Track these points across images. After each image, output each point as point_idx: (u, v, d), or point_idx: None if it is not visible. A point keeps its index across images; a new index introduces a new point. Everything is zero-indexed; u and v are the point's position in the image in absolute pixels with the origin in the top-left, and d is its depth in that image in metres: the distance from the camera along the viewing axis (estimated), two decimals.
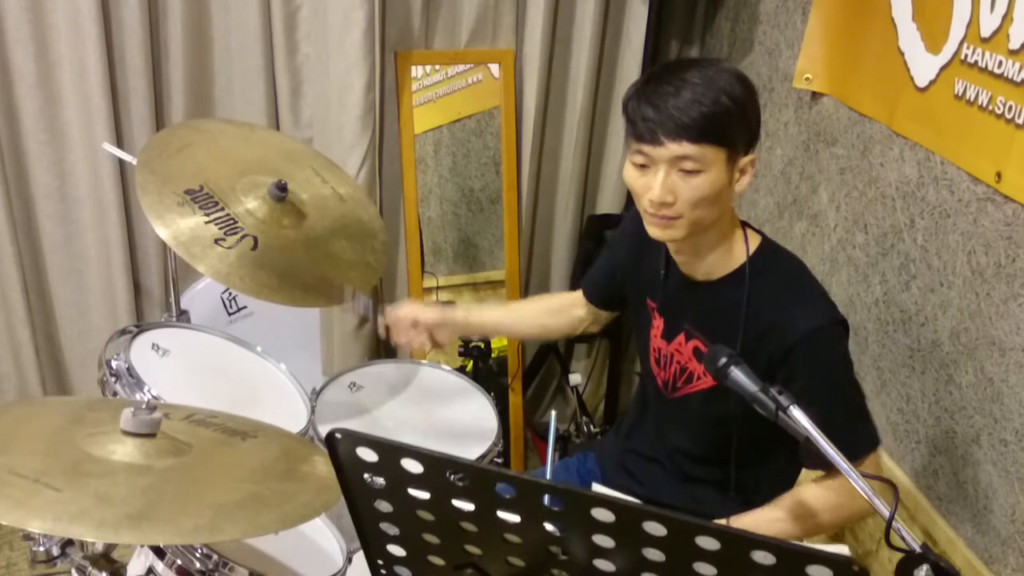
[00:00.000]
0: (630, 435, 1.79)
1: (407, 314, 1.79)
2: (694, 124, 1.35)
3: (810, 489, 1.52)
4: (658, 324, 1.64)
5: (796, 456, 1.32)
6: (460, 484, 0.98)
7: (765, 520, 1.51)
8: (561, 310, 1.92)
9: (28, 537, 1.40)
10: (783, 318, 1.46)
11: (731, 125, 1.38)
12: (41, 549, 1.40)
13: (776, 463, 1.60)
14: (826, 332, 1.46)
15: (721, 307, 1.51)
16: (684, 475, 1.68)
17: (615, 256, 1.77)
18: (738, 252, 1.52)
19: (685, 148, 1.37)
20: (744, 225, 1.54)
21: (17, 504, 1.13)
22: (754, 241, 1.53)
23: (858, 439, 1.48)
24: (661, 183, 1.39)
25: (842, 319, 1.49)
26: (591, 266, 1.91)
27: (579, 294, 1.89)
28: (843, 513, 1.52)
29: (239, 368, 1.97)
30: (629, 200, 2.69)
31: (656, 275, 1.63)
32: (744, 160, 1.43)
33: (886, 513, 1.15)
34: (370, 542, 1.14)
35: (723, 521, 1.54)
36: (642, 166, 1.42)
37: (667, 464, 1.70)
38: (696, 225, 1.44)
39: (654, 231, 1.46)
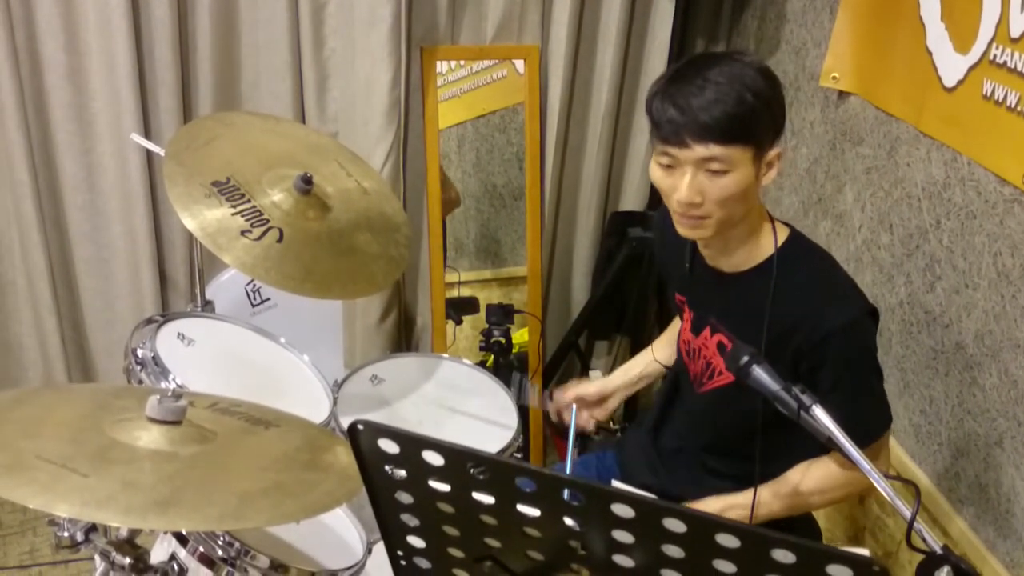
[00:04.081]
0: (655, 428, 1.79)
1: (571, 396, 1.85)
2: (719, 125, 1.34)
3: (815, 470, 1.57)
4: (688, 317, 1.65)
5: (817, 447, 1.32)
6: (481, 477, 0.99)
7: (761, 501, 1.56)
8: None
9: (52, 523, 1.41)
10: (814, 311, 1.45)
11: (756, 123, 1.37)
12: (65, 535, 1.41)
13: (798, 455, 1.60)
14: (857, 326, 1.46)
15: (748, 299, 1.51)
16: (706, 468, 1.69)
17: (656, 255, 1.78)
18: (766, 244, 1.51)
19: (712, 150, 1.36)
20: (772, 218, 1.54)
21: (44, 488, 1.14)
22: (782, 233, 1.53)
23: (879, 422, 1.53)
24: (688, 184, 1.39)
25: (872, 308, 1.49)
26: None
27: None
28: (838, 493, 1.59)
29: (263, 359, 1.98)
30: (652, 197, 2.69)
31: (682, 269, 1.63)
32: (771, 153, 1.42)
33: (907, 514, 1.14)
34: (390, 533, 1.14)
35: (712, 501, 1.59)
36: (668, 166, 1.42)
37: (691, 456, 1.71)
38: (725, 222, 1.44)
39: (683, 230, 1.46)
